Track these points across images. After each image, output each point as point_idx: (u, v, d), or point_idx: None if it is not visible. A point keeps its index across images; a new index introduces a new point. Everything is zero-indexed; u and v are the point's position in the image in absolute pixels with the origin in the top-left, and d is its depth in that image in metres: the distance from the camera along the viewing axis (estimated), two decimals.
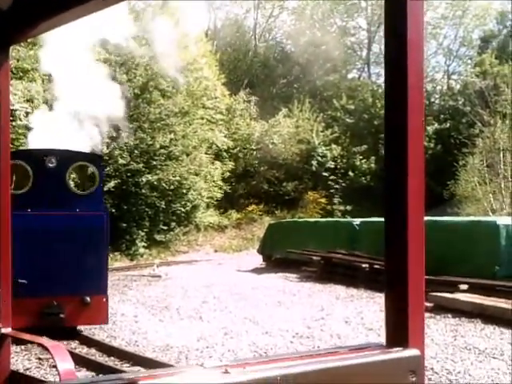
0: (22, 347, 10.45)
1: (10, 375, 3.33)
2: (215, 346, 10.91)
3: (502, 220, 18.04)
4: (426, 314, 13.19)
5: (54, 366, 6.52)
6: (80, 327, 11.72)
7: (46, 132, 14.04)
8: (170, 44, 31.93)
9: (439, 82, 53.38)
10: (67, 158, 11.80)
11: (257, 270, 24.44)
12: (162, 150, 32.43)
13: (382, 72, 52.96)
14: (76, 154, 12.31)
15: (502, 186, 33.54)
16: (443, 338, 11.02)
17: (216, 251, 34.81)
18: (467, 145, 36.73)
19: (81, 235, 11.23)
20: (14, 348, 9.25)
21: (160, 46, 33.35)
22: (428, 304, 13.95)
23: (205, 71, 37.63)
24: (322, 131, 44.02)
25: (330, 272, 20.11)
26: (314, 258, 21.72)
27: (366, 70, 56.18)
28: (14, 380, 3.31)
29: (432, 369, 8.75)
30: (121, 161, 30.08)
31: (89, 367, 9.25)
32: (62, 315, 10.94)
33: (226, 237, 37.54)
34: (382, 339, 1.80)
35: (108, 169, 27.71)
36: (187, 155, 34.08)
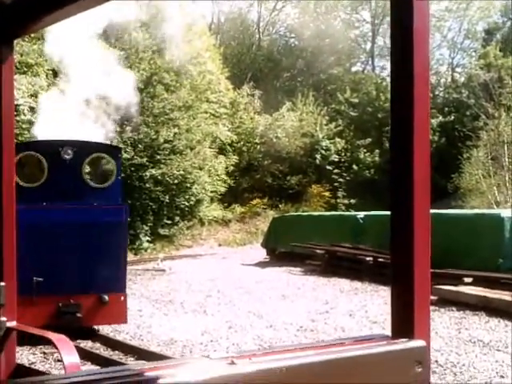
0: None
1: (16, 369, 3.34)
2: (219, 339, 10.93)
3: (507, 213, 18.01)
4: (431, 307, 13.18)
5: (60, 360, 6.53)
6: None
7: (48, 124, 13.70)
8: (173, 38, 31.91)
9: (443, 75, 53.26)
10: (84, 149, 11.33)
11: (261, 264, 24.45)
12: (166, 145, 32.43)
13: (387, 65, 52.96)
14: (93, 145, 11.86)
15: (507, 178, 33.48)
16: (448, 331, 11.02)
17: (220, 245, 34.84)
18: (471, 137, 36.66)
19: (99, 230, 10.69)
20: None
21: (164, 39, 33.35)
22: (432, 297, 13.93)
23: (208, 65, 37.60)
24: (325, 124, 43.97)
25: (334, 265, 20.11)
26: (318, 251, 21.72)
27: (370, 63, 56.12)
28: (19, 374, 3.32)
29: (436, 361, 8.75)
30: (125, 155, 30.08)
31: (93, 361, 9.27)
32: (78, 314, 10.46)
33: (229, 231, 37.55)
34: (387, 332, 1.80)
35: None
36: (191, 149, 34.07)
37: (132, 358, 9.66)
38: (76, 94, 14.04)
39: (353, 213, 27.73)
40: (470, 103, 39.89)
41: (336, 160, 42.96)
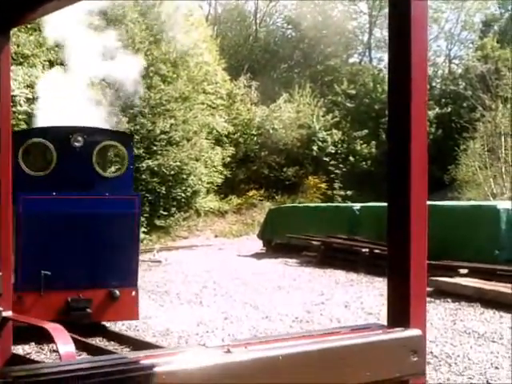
0: None
1: (11, 358, 3.34)
2: (215, 330, 10.95)
3: (503, 204, 18.05)
4: (426, 299, 13.22)
5: (56, 351, 6.54)
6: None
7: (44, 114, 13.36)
8: (170, 29, 31.84)
9: (440, 66, 53.26)
10: (94, 136, 10.78)
11: (257, 255, 24.48)
12: (163, 136, 32.41)
13: (384, 57, 52.89)
14: (104, 133, 11.37)
15: (503, 170, 33.55)
16: (443, 322, 11.06)
17: (216, 236, 34.86)
18: (468, 129, 36.71)
19: (110, 221, 10.05)
20: None
21: (161, 30, 33.30)
22: (428, 288, 13.96)
23: (205, 56, 37.56)
24: (322, 116, 43.96)
25: (330, 257, 20.14)
26: (314, 242, 21.76)
27: (367, 54, 56.06)
28: (14, 363, 3.32)
29: (431, 352, 8.78)
30: None
31: (89, 351, 9.28)
32: (88, 310, 9.87)
33: (226, 222, 37.58)
34: (383, 323, 1.81)
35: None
36: (188, 140, 34.05)
37: (127, 349, 9.68)
38: (72, 83, 13.85)
39: (349, 204, 27.76)
40: (466, 95, 39.93)
41: (333, 151, 42.97)
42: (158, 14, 34.50)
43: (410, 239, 1.69)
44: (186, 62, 35.27)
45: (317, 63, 52.81)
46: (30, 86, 23.75)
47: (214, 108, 37.76)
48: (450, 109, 44.05)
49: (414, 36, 1.68)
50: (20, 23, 3.34)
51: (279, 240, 25.12)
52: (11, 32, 3.15)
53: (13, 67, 22.03)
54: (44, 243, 9.59)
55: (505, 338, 9.68)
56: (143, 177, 31.37)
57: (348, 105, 45.91)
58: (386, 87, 1.86)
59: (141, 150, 31.27)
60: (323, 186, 40.95)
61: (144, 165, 31.30)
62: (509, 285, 13.02)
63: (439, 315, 11.74)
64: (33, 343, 9.77)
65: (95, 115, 13.76)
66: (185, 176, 33.61)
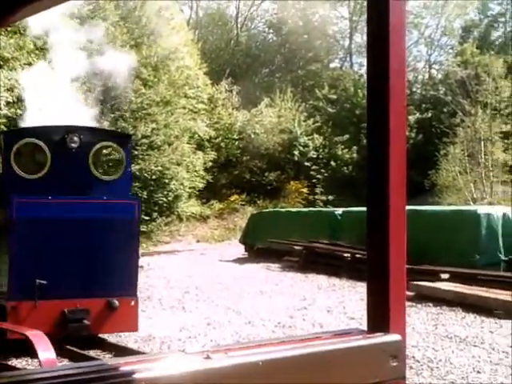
0: None
1: None
2: (198, 336, 10.92)
3: (483, 209, 18.17)
4: (408, 303, 13.26)
5: (36, 356, 6.48)
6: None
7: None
8: (151, 32, 31.78)
9: (421, 72, 53.61)
10: (91, 136, 10.21)
11: (239, 260, 24.46)
12: (144, 140, 32.31)
13: (364, 62, 53.05)
14: (101, 133, 10.94)
15: (483, 175, 33.80)
16: (424, 327, 11.09)
17: (198, 241, 34.80)
18: (448, 134, 36.93)
19: (109, 227, 9.54)
20: None
21: (142, 34, 33.24)
22: (409, 293, 14.03)
23: (186, 60, 37.53)
24: (304, 121, 44.06)
25: (312, 262, 20.15)
26: (296, 247, 21.76)
27: (348, 59, 56.28)
28: None
29: (413, 357, 8.80)
30: None
31: (70, 358, 9.20)
32: (86, 322, 9.22)
33: (208, 227, 37.52)
34: (364, 328, 1.81)
35: None
36: (169, 145, 33.99)
37: (109, 355, 9.61)
38: (52, 86, 13.66)
39: (331, 209, 27.82)
40: (447, 100, 40.18)
41: (314, 156, 43.06)
42: (139, 18, 34.48)
43: (389, 244, 1.69)
44: (167, 65, 35.23)
45: (298, 68, 52.96)
46: (10, 90, 23.60)
47: (195, 112, 37.73)
48: (430, 114, 44.29)
49: (392, 42, 1.68)
50: (0, 26, 3.31)
51: (261, 245, 25.11)
52: None
53: None
54: (39, 249, 9.08)
55: (486, 342, 9.74)
56: None
57: (329, 110, 46.04)
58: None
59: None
60: (305, 190, 41.03)
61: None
62: (489, 289, 13.11)
63: (421, 320, 11.78)
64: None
65: (75, 120, 13.53)
66: (166, 181, 33.52)
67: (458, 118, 37.12)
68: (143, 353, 9.07)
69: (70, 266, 9.34)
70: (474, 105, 35.89)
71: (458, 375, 7.94)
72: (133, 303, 9.66)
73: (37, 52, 23.66)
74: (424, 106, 45.53)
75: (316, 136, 43.58)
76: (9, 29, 23.62)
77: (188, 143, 36.15)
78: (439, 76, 50.03)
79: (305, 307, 13.63)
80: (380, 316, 1.71)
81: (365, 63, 52.55)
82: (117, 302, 9.42)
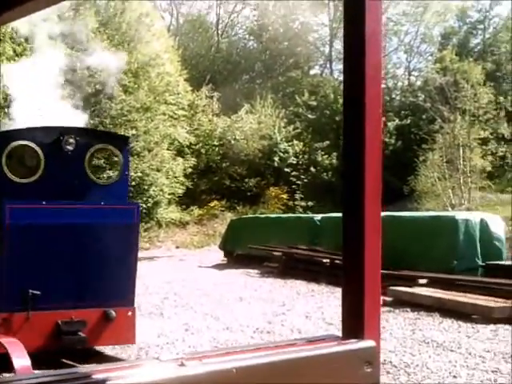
0: None
1: None
2: (175, 342, 10.89)
3: (461, 215, 18.29)
4: (385, 308, 13.33)
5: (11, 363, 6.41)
6: None
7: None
8: (132, 39, 31.71)
9: (400, 78, 53.91)
10: (87, 138, 9.66)
11: (218, 266, 24.43)
12: None
13: None
14: (97, 135, 10.44)
15: (461, 181, 34.03)
16: (402, 332, 11.14)
17: (177, 247, 34.71)
18: (427, 141, 37.14)
19: (107, 234, 9.02)
20: None
21: (122, 40, 33.16)
22: (387, 298, 14.09)
23: (167, 67, 37.51)
24: (284, 127, 44.14)
25: (292, 267, 20.17)
26: (276, 253, 21.77)
27: (328, 66, 56.46)
28: None
29: (390, 362, 8.84)
30: None
31: (48, 366, 9.10)
32: (81, 334, 8.67)
33: (187, 233, 37.44)
34: (339, 333, 1.82)
35: None
36: (149, 151, 33.95)
37: (85, 363, 9.55)
38: (31, 92, 13.51)
39: (310, 215, 27.87)
40: (426, 107, 40.40)
41: (294, 162, 43.14)
42: (119, 24, 34.43)
43: (365, 251, 1.71)
44: (147, 72, 35.20)
45: (278, 74, 53.08)
46: None
47: (175, 119, 37.70)
48: (409, 120, 44.54)
49: (368, 49, 1.69)
50: None
51: (241, 251, 25.09)
52: None
53: None
54: (33, 258, 8.54)
55: (463, 347, 9.79)
56: None
57: (309, 116, 46.15)
58: None
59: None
60: (284, 196, 41.09)
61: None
62: (467, 294, 13.20)
63: (398, 325, 11.83)
64: None
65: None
66: (146, 187, 33.45)
67: (437, 125, 37.34)
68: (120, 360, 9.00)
69: (65, 275, 8.80)
70: (452, 111, 36.15)
71: (435, 380, 7.99)
72: (130, 313, 9.11)
73: (16, 58, 23.53)
74: (403, 112, 45.79)
75: (296, 142, 43.68)
76: None
77: (168, 149, 36.11)
78: (418, 83, 50.35)
79: (283, 313, 13.63)
80: (355, 322, 1.73)
81: None
82: (114, 313, 8.88)
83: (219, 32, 55.06)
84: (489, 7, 50.53)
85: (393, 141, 43.15)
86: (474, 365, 8.65)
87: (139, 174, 32.51)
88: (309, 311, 13.72)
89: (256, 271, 21.57)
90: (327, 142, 43.96)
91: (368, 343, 1.70)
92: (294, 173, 42.71)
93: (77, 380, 1.37)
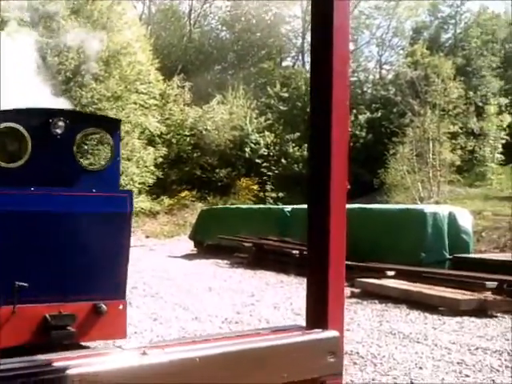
0: None
1: None
2: (144, 331, 10.86)
3: (430, 208, 18.45)
4: (354, 300, 13.43)
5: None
6: None
7: None
8: (103, 27, 31.42)
9: (371, 72, 54.16)
10: (76, 121, 9.02)
11: (188, 256, 24.40)
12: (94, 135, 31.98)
13: None
14: (86, 117, 9.72)
15: (431, 174, 34.32)
16: (369, 323, 11.22)
17: (147, 237, 34.58)
18: (398, 134, 37.37)
19: (98, 223, 8.38)
20: None
21: (94, 28, 32.85)
22: (355, 290, 14.20)
23: (138, 55, 37.29)
24: (255, 118, 44.15)
25: (261, 258, 20.21)
26: (246, 244, 21.81)
27: (300, 58, 56.55)
28: None
29: (358, 353, 8.90)
30: None
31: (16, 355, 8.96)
32: (70, 328, 8.13)
33: (157, 223, 37.33)
34: (303, 323, 1.83)
35: None
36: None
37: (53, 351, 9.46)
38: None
39: (280, 206, 27.92)
40: (396, 100, 40.63)
41: (265, 154, 43.19)
42: (91, 12, 34.11)
43: (329, 243, 1.72)
44: (118, 61, 34.96)
45: (250, 65, 53.03)
46: None
47: (146, 108, 37.53)
48: (380, 114, 44.78)
49: (335, 43, 1.70)
50: None
51: (211, 241, 25.09)
52: None
53: None
54: (19, 248, 7.96)
55: (429, 338, 9.89)
56: None
57: (281, 108, 46.21)
58: None
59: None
60: (255, 187, 41.13)
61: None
62: (434, 286, 13.33)
63: (366, 316, 11.91)
64: None
65: None
66: None
67: (408, 118, 37.58)
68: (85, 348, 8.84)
69: (54, 267, 8.19)
70: (423, 105, 36.39)
71: (401, 371, 8.05)
72: (121, 307, 8.58)
73: None
74: (374, 105, 46.02)
75: (267, 133, 43.72)
76: None
77: (139, 139, 35.93)
78: (390, 76, 50.64)
79: (252, 303, 13.66)
80: (319, 313, 1.74)
81: None
82: (104, 306, 8.36)
83: (192, 22, 54.83)
84: (460, 2, 50.96)
85: (363, 134, 43.38)
86: (440, 356, 8.74)
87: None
88: (278, 302, 13.76)
89: (226, 262, 21.58)
90: (298, 134, 44.04)
91: (331, 333, 1.71)
92: (264, 164, 42.75)
93: (37, 368, 1.35)
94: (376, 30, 54.73)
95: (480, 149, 40.33)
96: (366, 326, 10.91)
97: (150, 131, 37.60)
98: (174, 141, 41.74)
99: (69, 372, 1.34)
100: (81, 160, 9.26)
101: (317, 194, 1.79)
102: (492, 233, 22.69)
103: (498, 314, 11.63)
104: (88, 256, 8.34)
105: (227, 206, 33.97)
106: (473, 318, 11.30)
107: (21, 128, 8.46)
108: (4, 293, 7.75)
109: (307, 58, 55.70)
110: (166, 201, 39.09)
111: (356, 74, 52.40)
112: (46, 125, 8.63)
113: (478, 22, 48.89)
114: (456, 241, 16.96)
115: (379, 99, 46.61)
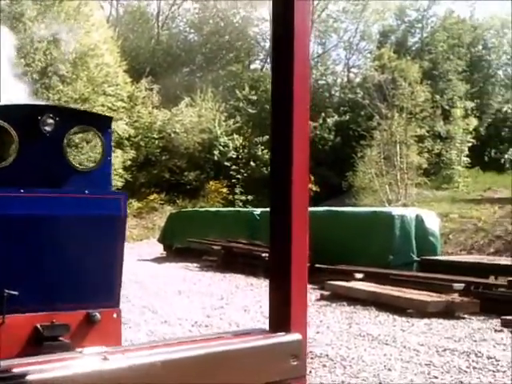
0: None
1: None
2: None
3: (397, 211, 18.57)
4: (323, 302, 13.48)
5: None
6: None
7: None
8: (70, 28, 31.19)
9: (339, 75, 54.43)
10: (66, 118, 8.37)
11: (157, 260, 24.31)
12: None
13: None
14: (79, 114, 9.10)
15: (398, 177, 34.55)
16: (339, 326, 11.26)
17: None
18: (365, 137, 37.55)
19: (92, 226, 7.82)
20: None
21: (61, 30, 32.59)
22: (325, 292, 14.25)
23: (106, 57, 37.09)
24: (224, 121, 44.12)
25: (231, 261, 20.20)
26: (215, 247, 21.78)
27: (268, 61, 56.58)
28: None
29: (327, 355, 8.93)
30: None
31: None
32: (63, 339, 7.59)
33: (126, 226, 37.09)
34: (266, 326, 1.82)
35: None
36: (87, 143, 33.46)
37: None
38: None
39: (250, 209, 27.94)
40: (364, 103, 40.86)
41: (234, 156, 43.18)
42: (58, 14, 33.85)
43: (291, 246, 1.71)
44: (85, 62, 34.74)
45: (219, 68, 53.02)
46: None
47: (114, 110, 37.27)
48: (348, 117, 45.00)
49: (296, 46, 1.69)
50: None
51: (180, 244, 25.02)
52: None
53: None
54: (8, 254, 7.40)
55: (398, 340, 9.96)
56: None
57: (249, 110, 46.24)
58: None
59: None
60: (224, 190, 41.09)
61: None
62: (402, 289, 13.43)
63: (335, 318, 11.96)
64: None
65: None
66: None
67: (375, 121, 37.77)
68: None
69: (45, 273, 7.64)
70: (390, 108, 36.63)
71: (370, 373, 8.10)
72: (115, 315, 8.08)
73: None
74: (342, 108, 46.24)
75: (236, 136, 43.72)
76: None
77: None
78: (357, 79, 50.89)
79: (222, 306, 13.65)
80: (281, 316, 1.73)
81: None
82: (98, 315, 7.81)
83: (160, 24, 54.67)
84: (427, 7, 51.42)
85: (332, 137, 43.58)
86: (409, 358, 8.81)
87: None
88: (247, 305, 13.76)
89: (195, 265, 21.54)
90: (267, 137, 44.04)
91: (294, 336, 1.70)
92: (233, 167, 42.74)
93: None
94: (344, 34, 55.11)
95: (447, 152, 40.70)
96: (336, 329, 10.95)
97: (118, 134, 37.37)
98: (142, 143, 41.57)
99: (28, 378, 1.32)
100: (71, 159, 8.70)
101: (279, 196, 1.79)
102: (459, 235, 22.91)
103: (466, 316, 11.75)
104: (81, 262, 7.83)
105: (196, 209, 33.89)
106: (441, 320, 11.40)
107: (7, 125, 7.89)
108: None
109: None
110: (135, 204, 38.88)
111: (324, 78, 52.65)
112: (35, 122, 8.05)
113: (444, 26, 49.36)
114: (423, 243, 17.09)
115: (347, 102, 46.84)
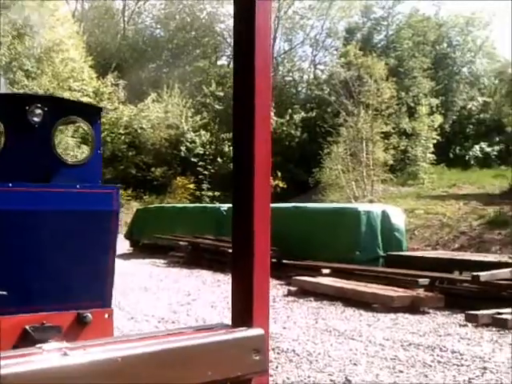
0: None
1: None
2: None
3: (364, 207, 18.68)
4: (290, 298, 13.51)
5: None
6: None
7: None
8: (35, 23, 30.85)
9: (306, 72, 54.56)
10: (55, 109, 7.91)
11: (124, 256, 24.15)
12: None
13: None
14: (67, 104, 8.64)
15: (364, 173, 34.76)
16: (305, 321, 11.30)
17: None
18: (332, 133, 37.69)
19: (82, 222, 7.39)
20: None
21: (25, 24, 32.24)
22: (292, 288, 14.28)
23: (71, 53, 36.77)
24: (191, 117, 44.02)
25: (198, 257, 20.17)
26: (182, 243, 21.72)
27: None
28: None
29: (294, 351, 8.95)
30: None
31: None
32: (54, 341, 6.48)
33: None
34: (228, 322, 1.82)
35: None
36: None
37: None
38: None
39: (216, 205, 27.90)
40: (331, 100, 41.03)
41: (201, 152, 43.11)
42: (22, 8, 33.45)
43: (254, 242, 1.71)
44: (50, 57, 34.41)
45: (185, 64, 52.83)
46: None
47: None
48: (314, 113, 45.13)
49: (257, 40, 1.69)
50: None
51: (147, 240, 24.92)
52: None
53: None
54: None
55: (363, 335, 10.02)
56: None
57: (216, 106, 46.16)
58: None
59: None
60: (191, 186, 41.01)
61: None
62: (368, 284, 13.52)
63: (302, 314, 12.00)
64: None
65: None
66: None
67: (342, 118, 37.93)
68: None
69: (34, 272, 7.29)
70: (356, 105, 36.82)
71: (336, 367, 8.14)
72: (107, 316, 7.68)
73: None
74: (309, 105, 46.39)
75: (203, 132, 43.65)
76: None
77: (72, 137, 35.39)
78: (324, 76, 51.09)
79: (189, 302, 13.62)
80: (243, 311, 1.74)
81: None
82: (90, 316, 7.46)
83: (126, 19, 54.31)
84: (392, 4, 51.77)
85: (298, 133, 43.68)
86: (374, 353, 8.87)
87: None
88: (214, 301, 13.75)
89: (162, 261, 21.47)
90: None
91: (256, 331, 1.71)
92: (200, 163, 42.68)
93: None
94: (310, 31, 55.24)
95: (412, 148, 41.04)
96: (302, 324, 10.98)
97: (83, 129, 37.08)
98: (108, 139, 41.28)
99: None
100: (60, 151, 8.34)
101: (240, 193, 1.79)
102: (424, 231, 23.13)
103: (431, 311, 11.86)
104: (71, 260, 7.42)
105: (163, 204, 33.78)
106: (406, 315, 11.49)
107: None
108: None
109: None
110: None
111: (291, 74, 52.73)
112: (22, 112, 7.64)
113: (409, 23, 49.77)
114: (389, 239, 17.21)
115: (314, 99, 46.98)
